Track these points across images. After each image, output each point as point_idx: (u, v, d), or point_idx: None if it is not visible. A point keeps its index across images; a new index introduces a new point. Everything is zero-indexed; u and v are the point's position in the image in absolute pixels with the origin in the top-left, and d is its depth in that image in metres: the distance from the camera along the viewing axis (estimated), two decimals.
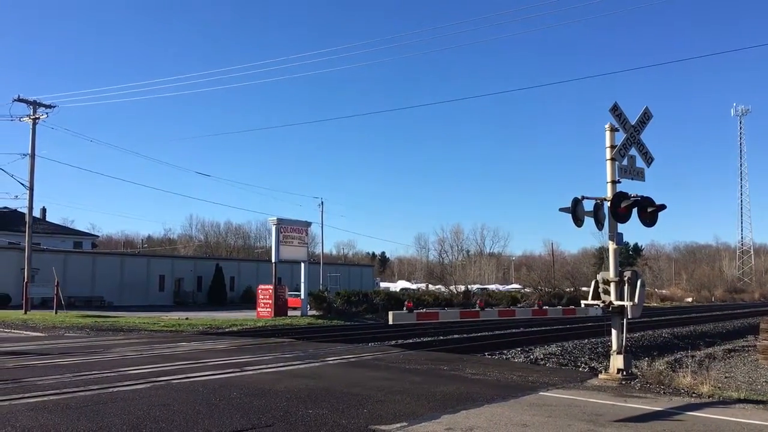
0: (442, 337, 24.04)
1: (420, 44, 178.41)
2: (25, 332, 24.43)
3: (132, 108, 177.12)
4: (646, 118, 12.44)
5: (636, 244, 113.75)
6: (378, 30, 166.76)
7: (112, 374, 11.69)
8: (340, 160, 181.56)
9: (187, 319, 31.65)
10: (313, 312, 37.67)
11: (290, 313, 36.02)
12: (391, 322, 9.71)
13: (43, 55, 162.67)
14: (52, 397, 9.21)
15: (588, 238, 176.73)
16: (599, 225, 11.99)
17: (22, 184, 37.99)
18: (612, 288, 11.81)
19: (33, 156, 37.68)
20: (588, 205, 11.89)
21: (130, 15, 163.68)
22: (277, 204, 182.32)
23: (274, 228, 36.43)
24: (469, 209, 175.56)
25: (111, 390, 9.92)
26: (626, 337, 11.98)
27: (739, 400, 10.11)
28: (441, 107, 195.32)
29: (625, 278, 11.68)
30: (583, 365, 17.94)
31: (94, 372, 11.96)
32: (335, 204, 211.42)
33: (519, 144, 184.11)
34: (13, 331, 25.19)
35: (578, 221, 11.75)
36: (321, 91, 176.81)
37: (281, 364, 13.71)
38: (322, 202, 65.80)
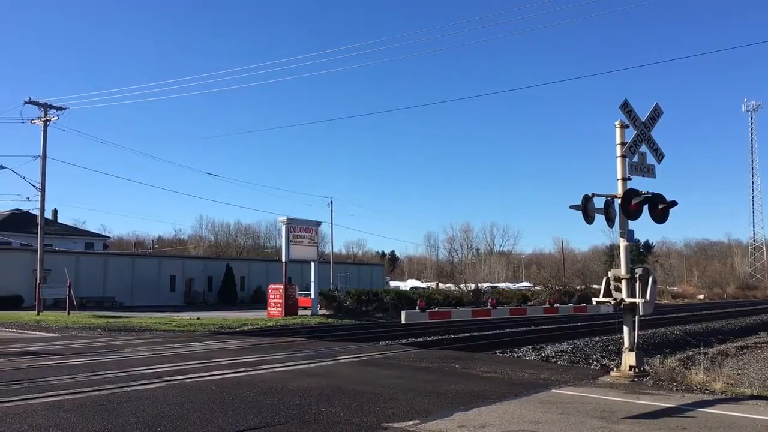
0: (452, 336, 24.02)
1: (430, 42, 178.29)
2: (38, 333, 24.60)
3: (142, 109, 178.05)
4: (656, 114, 12.40)
5: (647, 242, 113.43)
6: (387, 27, 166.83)
7: (126, 374, 11.78)
8: (349, 159, 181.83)
9: (198, 319, 31.79)
10: (324, 311, 37.74)
11: (300, 312, 36.11)
12: (403, 322, 9.70)
13: (53, 57, 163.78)
14: (67, 397, 9.30)
15: (598, 235, 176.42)
16: (610, 222, 11.97)
17: (34, 186, 38.32)
18: (623, 285, 11.79)
19: (44, 158, 37.95)
20: (598, 203, 11.88)
21: (138, 17, 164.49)
22: (286, 204, 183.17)
23: (284, 228, 36.52)
24: (479, 207, 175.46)
25: (125, 389, 10.01)
26: (638, 335, 11.96)
27: (752, 397, 10.08)
28: (450, 105, 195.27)
29: (637, 275, 11.66)
30: (594, 363, 17.89)
31: (108, 372, 12.05)
32: (345, 203, 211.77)
33: (528, 142, 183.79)
34: (26, 331, 25.37)
35: (589, 218, 11.73)
36: (330, 91, 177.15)
37: (293, 363, 13.77)
38: (331, 202, 66.04)
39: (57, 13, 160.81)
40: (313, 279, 37.58)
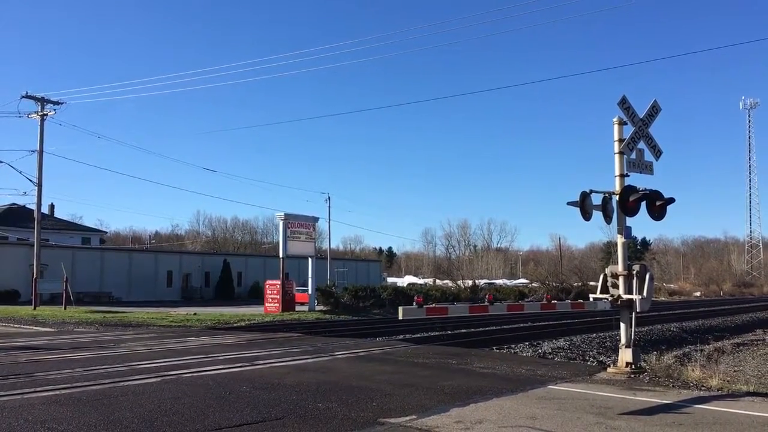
0: (450, 332, 24.05)
1: (426, 38, 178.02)
2: (35, 328, 24.58)
3: (139, 104, 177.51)
4: (654, 111, 12.39)
5: (644, 239, 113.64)
6: (383, 25, 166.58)
7: (123, 368, 11.77)
8: (347, 155, 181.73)
9: (195, 314, 31.77)
10: (321, 307, 37.74)
11: (298, 308, 36.11)
12: (401, 317, 9.71)
13: (49, 52, 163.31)
14: (64, 391, 9.28)
15: (595, 232, 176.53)
16: (608, 219, 11.97)
17: (31, 181, 38.28)
18: (621, 282, 11.79)
19: (41, 152, 37.88)
20: (596, 199, 11.86)
21: (136, 12, 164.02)
22: (284, 199, 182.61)
23: (281, 223, 36.50)
24: (476, 204, 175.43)
25: (122, 384, 10.00)
26: (635, 331, 11.97)
27: (749, 393, 10.10)
28: (447, 101, 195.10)
29: (634, 272, 11.66)
30: (591, 359, 17.94)
31: (104, 366, 12.04)
32: (342, 199, 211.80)
33: (526, 138, 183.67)
34: (23, 326, 25.34)
35: (586, 215, 11.71)
36: (327, 87, 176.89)
37: (290, 358, 13.76)
38: (329, 198, 65.85)
39: (56, 8, 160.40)
40: (310, 275, 37.59)
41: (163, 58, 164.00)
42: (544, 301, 12.45)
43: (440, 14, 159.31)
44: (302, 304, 37.46)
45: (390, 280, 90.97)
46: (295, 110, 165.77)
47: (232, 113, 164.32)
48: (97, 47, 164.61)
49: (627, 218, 11.86)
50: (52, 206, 71.72)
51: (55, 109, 38.54)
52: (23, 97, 37.74)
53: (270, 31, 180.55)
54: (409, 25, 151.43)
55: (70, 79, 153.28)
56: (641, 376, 11.27)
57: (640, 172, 12.24)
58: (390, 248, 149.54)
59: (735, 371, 17.17)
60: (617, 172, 12.04)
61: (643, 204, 11.79)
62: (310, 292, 37.71)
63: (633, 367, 11.58)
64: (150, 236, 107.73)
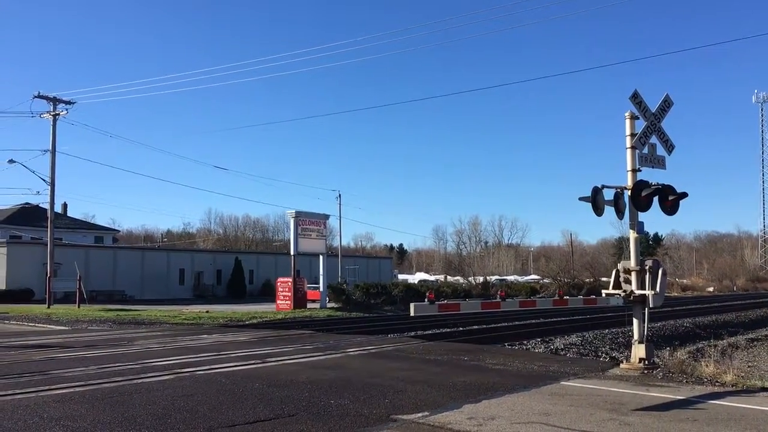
0: (461, 328, 24.03)
1: (436, 35, 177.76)
2: (49, 326, 24.76)
3: (150, 103, 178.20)
4: (666, 105, 12.31)
5: (656, 234, 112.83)
6: (392, 21, 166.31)
7: (137, 366, 11.83)
8: (357, 152, 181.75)
9: (207, 311, 31.90)
10: (332, 304, 37.81)
11: (309, 305, 36.18)
12: (412, 314, 9.70)
13: (61, 52, 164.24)
14: (78, 389, 9.35)
15: (607, 228, 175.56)
16: (620, 214, 11.90)
17: (44, 180, 38.55)
18: (633, 277, 11.73)
19: (54, 152, 38.12)
20: (608, 195, 11.80)
21: (146, 11, 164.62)
22: (295, 197, 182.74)
23: (292, 221, 36.58)
24: (487, 200, 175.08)
25: (135, 381, 10.06)
26: (648, 327, 11.91)
27: (763, 389, 10.01)
28: (458, 97, 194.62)
29: (647, 267, 11.60)
30: (604, 355, 17.85)
31: (118, 364, 12.12)
32: (353, 197, 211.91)
33: (537, 134, 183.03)
34: (37, 324, 25.53)
35: (598, 210, 11.66)
36: (337, 84, 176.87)
37: (302, 355, 13.80)
38: (339, 195, 66.01)
39: (62, 8, 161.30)
40: (321, 272, 37.65)
41: (171, 58, 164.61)
42: (556, 297, 12.41)
43: (451, 10, 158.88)
44: (314, 301, 37.52)
45: (401, 277, 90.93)
46: (306, 108, 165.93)
47: (244, 111, 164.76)
48: (106, 48, 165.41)
49: (639, 213, 11.80)
50: (65, 205, 72.26)
51: (66, 109, 38.76)
52: (35, 96, 37.96)
53: (274, 29, 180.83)
54: (419, 21, 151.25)
55: (81, 79, 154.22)
56: (654, 372, 11.22)
57: (653, 167, 12.15)
58: (401, 245, 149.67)
59: (749, 367, 17.03)
60: (629, 167, 11.97)
61: (656, 199, 11.72)
62: (321, 289, 37.78)
63: (646, 362, 11.53)
64: (162, 235, 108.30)
